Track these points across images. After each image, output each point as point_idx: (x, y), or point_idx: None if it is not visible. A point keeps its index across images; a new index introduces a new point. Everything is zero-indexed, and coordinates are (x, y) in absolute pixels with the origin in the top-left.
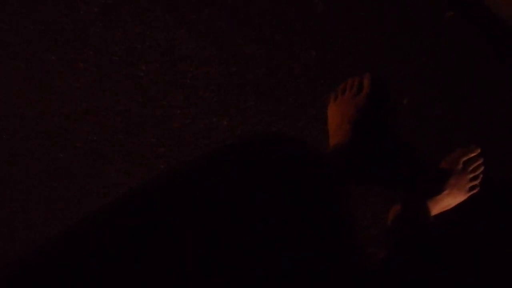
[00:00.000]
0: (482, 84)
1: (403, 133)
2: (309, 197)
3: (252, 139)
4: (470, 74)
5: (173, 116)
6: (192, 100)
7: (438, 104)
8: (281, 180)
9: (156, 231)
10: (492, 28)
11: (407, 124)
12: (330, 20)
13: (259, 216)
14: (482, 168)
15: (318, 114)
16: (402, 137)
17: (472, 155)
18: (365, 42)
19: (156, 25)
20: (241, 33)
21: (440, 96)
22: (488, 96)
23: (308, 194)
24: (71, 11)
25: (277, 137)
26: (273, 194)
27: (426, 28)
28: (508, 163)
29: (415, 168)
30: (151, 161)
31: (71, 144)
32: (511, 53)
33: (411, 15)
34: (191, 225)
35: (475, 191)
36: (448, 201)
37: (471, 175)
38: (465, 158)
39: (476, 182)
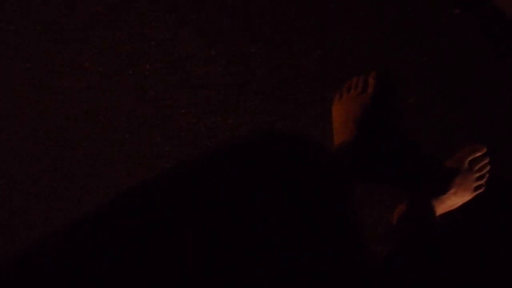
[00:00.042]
0: (482, 84)
1: (408, 132)
2: (314, 195)
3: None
4: (470, 74)
5: (178, 116)
6: (196, 99)
7: (439, 104)
8: (285, 179)
9: (156, 231)
10: (493, 27)
11: (411, 123)
12: (330, 20)
13: (261, 216)
14: (488, 168)
15: (319, 114)
16: (407, 136)
17: (478, 154)
18: (365, 42)
19: (158, 25)
20: (241, 33)
21: (440, 96)
22: (488, 96)
23: (313, 193)
24: (71, 11)
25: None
26: (276, 193)
27: (426, 28)
28: (508, 163)
29: (421, 167)
30: (151, 161)
31: (71, 144)
32: (511, 53)
33: (411, 15)
34: (191, 225)
35: (480, 190)
36: (453, 200)
37: (477, 175)
38: (470, 158)
39: (482, 182)
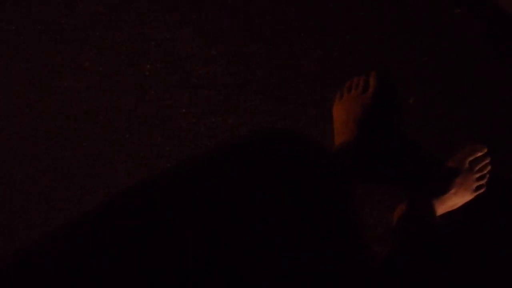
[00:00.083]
0: (482, 84)
1: (408, 132)
2: (314, 195)
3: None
4: (470, 74)
5: (178, 116)
6: (196, 99)
7: (439, 104)
8: (285, 179)
9: (156, 231)
10: (493, 27)
11: (411, 123)
12: (330, 20)
13: (261, 216)
14: (488, 168)
15: (319, 114)
16: (407, 136)
17: (479, 154)
18: (365, 42)
19: (158, 25)
20: (241, 33)
21: (440, 96)
22: (488, 96)
23: (314, 193)
24: (71, 11)
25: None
26: (276, 193)
27: (426, 28)
28: (508, 163)
29: (421, 167)
30: (151, 161)
31: (71, 144)
32: (511, 53)
33: (411, 15)
34: (191, 225)
35: (481, 191)
36: (454, 200)
37: (478, 175)
38: (471, 158)
39: (483, 182)
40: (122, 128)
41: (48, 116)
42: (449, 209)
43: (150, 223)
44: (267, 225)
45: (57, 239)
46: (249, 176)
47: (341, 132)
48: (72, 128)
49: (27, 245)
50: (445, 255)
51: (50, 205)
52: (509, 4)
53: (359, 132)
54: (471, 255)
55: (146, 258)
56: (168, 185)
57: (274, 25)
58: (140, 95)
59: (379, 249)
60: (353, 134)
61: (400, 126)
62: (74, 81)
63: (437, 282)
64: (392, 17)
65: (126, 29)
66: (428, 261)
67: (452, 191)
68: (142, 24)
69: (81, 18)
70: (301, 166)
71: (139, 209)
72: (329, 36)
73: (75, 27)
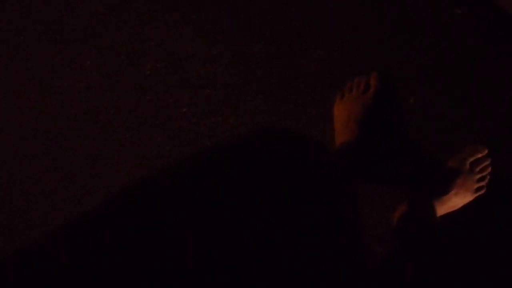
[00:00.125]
0: (482, 84)
1: (408, 132)
2: (315, 195)
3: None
4: (470, 74)
5: (178, 116)
6: (196, 99)
7: (439, 104)
8: (285, 179)
9: (156, 231)
10: (494, 27)
11: (412, 123)
12: (330, 20)
13: (261, 216)
14: (489, 169)
15: (319, 114)
16: (407, 136)
17: (480, 155)
18: (365, 42)
19: (158, 25)
20: (241, 33)
21: (440, 96)
22: (488, 96)
23: (314, 193)
24: (71, 11)
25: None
26: (276, 193)
27: (426, 28)
28: (508, 163)
29: (421, 167)
30: (151, 161)
31: (71, 144)
32: (511, 53)
33: (411, 15)
34: (191, 225)
35: (482, 192)
36: (454, 201)
37: (478, 176)
38: (472, 159)
39: (483, 183)
40: (122, 128)
41: (48, 116)
42: (450, 210)
43: (150, 223)
44: (267, 225)
45: (57, 239)
46: (249, 176)
47: (342, 132)
48: (72, 128)
49: (27, 245)
50: (445, 255)
51: (50, 205)
52: (509, 4)
53: (360, 132)
54: (471, 255)
55: (146, 258)
56: (168, 185)
57: (274, 25)
58: (140, 95)
59: (379, 249)
60: (354, 134)
61: (400, 126)
62: (74, 81)
63: (437, 283)
64: (392, 17)
65: (126, 29)
66: (428, 261)
67: (453, 192)
68: (142, 24)
69: (81, 18)
70: (301, 166)
71: (139, 209)
72: (329, 36)
73: (75, 27)
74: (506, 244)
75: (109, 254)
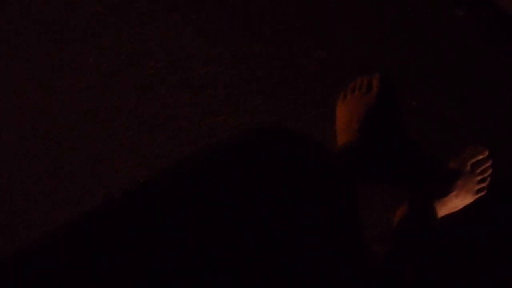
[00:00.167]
0: (482, 84)
1: (409, 132)
2: (315, 195)
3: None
4: (470, 74)
5: (178, 116)
6: (196, 99)
7: (439, 104)
8: (285, 179)
9: (156, 231)
10: (494, 27)
11: (412, 123)
12: (330, 20)
13: (261, 216)
14: (490, 171)
15: (319, 114)
16: (408, 136)
17: (481, 157)
18: (365, 42)
19: (158, 25)
20: (242, 33)
21: (440, 96)
22: (488, 96)
23: (314, 193)
24: (72, 11)
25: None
26: (277, 192)
27: (426, 28)
28: (508, 164)
29: (422, 167)
30: (151, 161)
31: (71, 144)
32: (511, 53)
33: (411, 15)
34: (191, 225)
35: (482, 193)
36: (455, 202)
37: (479, 177)
38: (473, 160)
39: (484, 185)
40: (122, 128)
41: (48, 116)
42: (450, 211)
43: (150, 223)
44: (267, 225)
45: (57, 239)
46: (249, 176)
47: (344, 132)
48: (72, 128)
49: (27, 245)
50: (445, 256)
51: (50, 205)
52: (509, 4)
53: (362, 133)
54: (471, 256)
55: (146, 258)
56: (168, 185)
57: (274, 25)
58: (140, 95)
59: (379, 249)
60: (356, 134)
61: (400, 127)
62: (74, 81)
63: (437, 283)
64: (392, 17)
65: (126, 29)
66: (428, 262)
67: (453, 193)
68: (142, 24)
69: (81, 18)
70: (301, 166)
71: (139, 209)
72: (329, 36)
73: (75, 27)
74: (506, 244)
75: (109, 254)
